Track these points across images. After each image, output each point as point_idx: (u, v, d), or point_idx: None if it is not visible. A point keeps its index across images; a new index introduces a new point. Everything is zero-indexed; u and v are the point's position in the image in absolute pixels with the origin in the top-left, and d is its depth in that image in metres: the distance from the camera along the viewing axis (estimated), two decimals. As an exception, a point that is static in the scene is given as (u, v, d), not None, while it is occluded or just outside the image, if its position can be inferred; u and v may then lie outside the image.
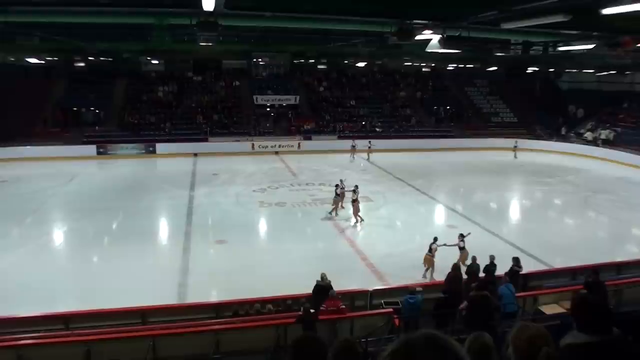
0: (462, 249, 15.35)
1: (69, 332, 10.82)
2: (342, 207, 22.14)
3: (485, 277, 12.82)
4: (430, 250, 15.49)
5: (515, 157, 37.64)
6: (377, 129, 42.44)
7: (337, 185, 22.14)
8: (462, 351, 1.58)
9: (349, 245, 18.45)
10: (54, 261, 17.01)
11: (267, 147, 38.74)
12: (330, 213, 21.86)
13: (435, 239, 15.45)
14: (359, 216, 20.83)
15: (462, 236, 15.57)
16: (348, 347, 2.38)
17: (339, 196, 21.82)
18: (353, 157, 36.01)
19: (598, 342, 2.51)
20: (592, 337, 2.54)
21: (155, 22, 18.97)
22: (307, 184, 27.84)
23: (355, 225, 20.73)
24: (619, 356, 2.53)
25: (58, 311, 11.92)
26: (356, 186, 21.61)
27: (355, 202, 20.82)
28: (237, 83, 45.65)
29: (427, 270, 15.48)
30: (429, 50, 17.09)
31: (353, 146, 36.36)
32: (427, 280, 14.87)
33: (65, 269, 16.34)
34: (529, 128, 44.42)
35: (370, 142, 36.79)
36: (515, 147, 38.36)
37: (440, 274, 12.82)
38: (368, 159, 35.80)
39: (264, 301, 12.12)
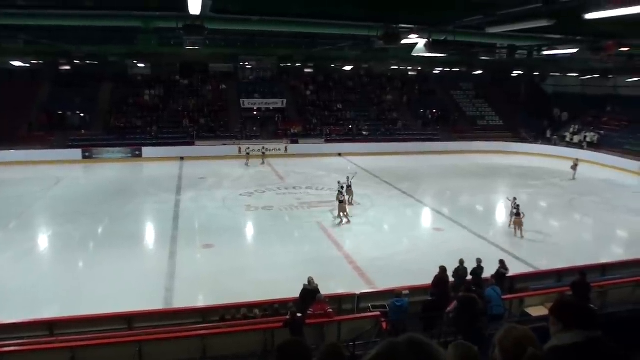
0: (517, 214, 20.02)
1: (53, 338, 10.70)
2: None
3: (472, 280, 12.91)
4: (518, 214, 19.93)
5: (573, 177, 31.55)
6: (364, 133, 42.57)
7: (343, 186, 22.91)
8: (445, 358, 1.58)
9: (336, 249, 18.45)
10: (38, 266, 16.82)
11: (254, 150, 38.60)
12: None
13: (517, 204, 20.20)
14: (346, 216, 21.61)
15: (515, 199, 20.76)
16: (334, 351, 2.38)
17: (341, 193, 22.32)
18: (248, 163, 35.00)
19: (583, 342, 2.53)
20: (576, 338, 2.56)
21: (141, 25, 18.86)
22: (294, 188, 27.83)
23: (340, 224, 21.43)
24: (604, 357, 2.55)
25: (42, 317, 11.80)
26: (342, 187, 22.80)
27: (342, 202, 21.66)
28: (224, 86, 45.57)
29: (517, 231, 19.91)
30: (415, 54, 17.18)
31: (248, 153, 35.60)
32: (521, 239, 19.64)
33: (50, 274, 16.16)
34: (514, 131, 44.79)
35: (264, 147, 36.63)
36: (576, 164, 32.14)
37: (426, 277, 12.86)
38: (262, 163, 35.36)
39: (251, 305, 12.08)
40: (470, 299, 10.26)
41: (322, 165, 34.61)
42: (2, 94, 37.16)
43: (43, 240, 19.81)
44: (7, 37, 26.73)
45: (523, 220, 19.95)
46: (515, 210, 20.24)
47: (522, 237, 19.79)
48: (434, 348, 1.63)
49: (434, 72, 47.98)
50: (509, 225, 20.73)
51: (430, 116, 46.80)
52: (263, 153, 36.10)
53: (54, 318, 11.67)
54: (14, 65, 35.47)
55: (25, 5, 13.76)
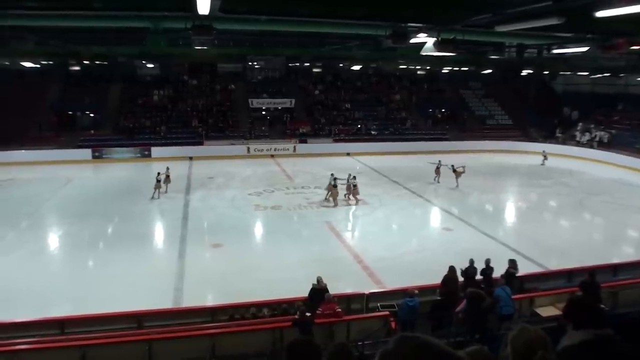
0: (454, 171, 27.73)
1: (64, 336, 10.77)
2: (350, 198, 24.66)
3: (481, 280, 12.86)
4: (455, 170, 27.78)
5: (543, 163, 36.10)
6: (373, 132, 42.51)
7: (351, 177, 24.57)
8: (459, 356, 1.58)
9: (344, 248, 18.44)
10: (49, 265, 16.94)
11: (262, 150, 38.75)
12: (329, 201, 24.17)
13: (451, 164, 27.87)
14: (356, 198, 24.21)
15: (439, 161, 28.33)
16: (342, 350, 2.37)
17: (352, 188, 24.20)
18: (157, 196, 25.28)
19: (594, 340, 2.52)
20: (587, 335, 2.54)
21: (150, 25, 18.96)
22: (302, 187, 27.84)
23: (352, 205, 24.08)
24: (616, 353, 2.53)
25: (53, 316, 11.87)
26: (353, 176, 24.72)
27: (355, 187, 24.14)
28: (233, 86, 45.65)
29: (457, 180, 27.77)
30: (424, 53, 17.13)
31: (158, 181, 25.40)
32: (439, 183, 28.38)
33: (60, 274, 16.28)
34: (524, 130, 44.55)
35: (168, 168, 27.02)
36: (545, 156, 36.55)
37: (435, 276, 12.82)
38: (165, 191, 26.11)
39: (259, 305, 12.10)
40: (477, 294, 10.26)
41: (330, 165, 34.50)
42: (13, 94, 37.49)
43: (54, 240, 19.95)
44: (18, 38, 27.00)
45: (460, 172, 27.65)
46: (453, 167, 27.76)
47: (457, 185, 27.76)
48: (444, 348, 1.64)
49: (443, 71, 47.90)
50: (435, 179, 28.90)
51: (439, 115, 46.65)
52: (167, 176, 26.41)
53: (65, 317, 11.73)
54: (24, 66, 35.76)
55: (35, 7, 13.86)
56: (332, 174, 24.48)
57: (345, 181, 24.63)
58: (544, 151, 37.04)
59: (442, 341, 1.74)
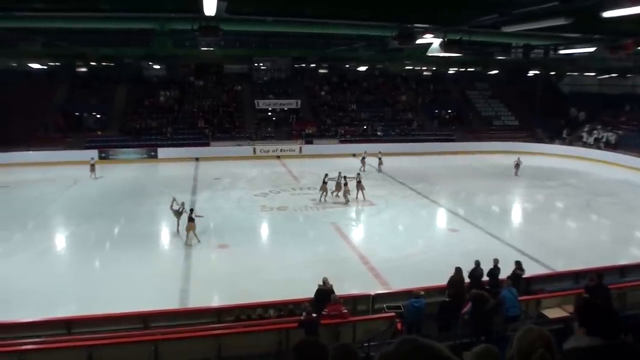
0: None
1: (70, 337, 10.80)
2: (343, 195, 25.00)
3: (488, 281, 12.82)
4: (363, 159, 33.08)
5: (516, 174, 32.53)
6: (379, 133, 42.47)
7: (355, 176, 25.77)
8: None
9: (350, 249, 18.42)
10: (55, 266, 17.01)
11: (268, 151, 38.81)
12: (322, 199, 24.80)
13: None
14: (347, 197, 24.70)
15: (365, 151, 34.02)
16: (343, 351, 2.35)
17: (351, 185, 24.89)
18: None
19: (602, 345, 2.49)
20: (595, 341, 2.52)
21: (156, 27, 19.02)
22: (308, 188, 27.82)
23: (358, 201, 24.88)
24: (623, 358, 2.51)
25: (60, 316, 11.90)
26: (344, 176, 25.24)
27: (345, 186, 24.66)
28: (239, 87, 45.74)
29: (380, 167, 33.05)
30: (430, 54, 17.10)
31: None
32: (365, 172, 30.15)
33: (67, 274, 16.34)
34: (531, 131, 44.38)
35: (182, 203, 20.35)
36: (518, 163, 32.91)
37: (441, 277, 12.78)
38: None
39: (266, 306, 12.09)
40: (480, 295, 10.24)
41: (336, 166, 34.44)
42: (20, 95, 37.62)
43: (60, 240, 20.02)
44: (25, 40, 27.12)
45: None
46: (379, 154, 33.21)
47: (379, 170, 32.69)
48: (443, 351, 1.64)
49: (449, 72, 47.77)
50: (361, 169, 31.08)
51: (445, 116, 46.55)
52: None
53: (71, 317, 11.76)
54: (31, 67, 35.95)
55: (43, 8, 13.92)
56: (339, 172, 25.32)
57: (336, 179, 25.28)
58: (518, 158, 33.60)
59: (448, 343, 1.74)
